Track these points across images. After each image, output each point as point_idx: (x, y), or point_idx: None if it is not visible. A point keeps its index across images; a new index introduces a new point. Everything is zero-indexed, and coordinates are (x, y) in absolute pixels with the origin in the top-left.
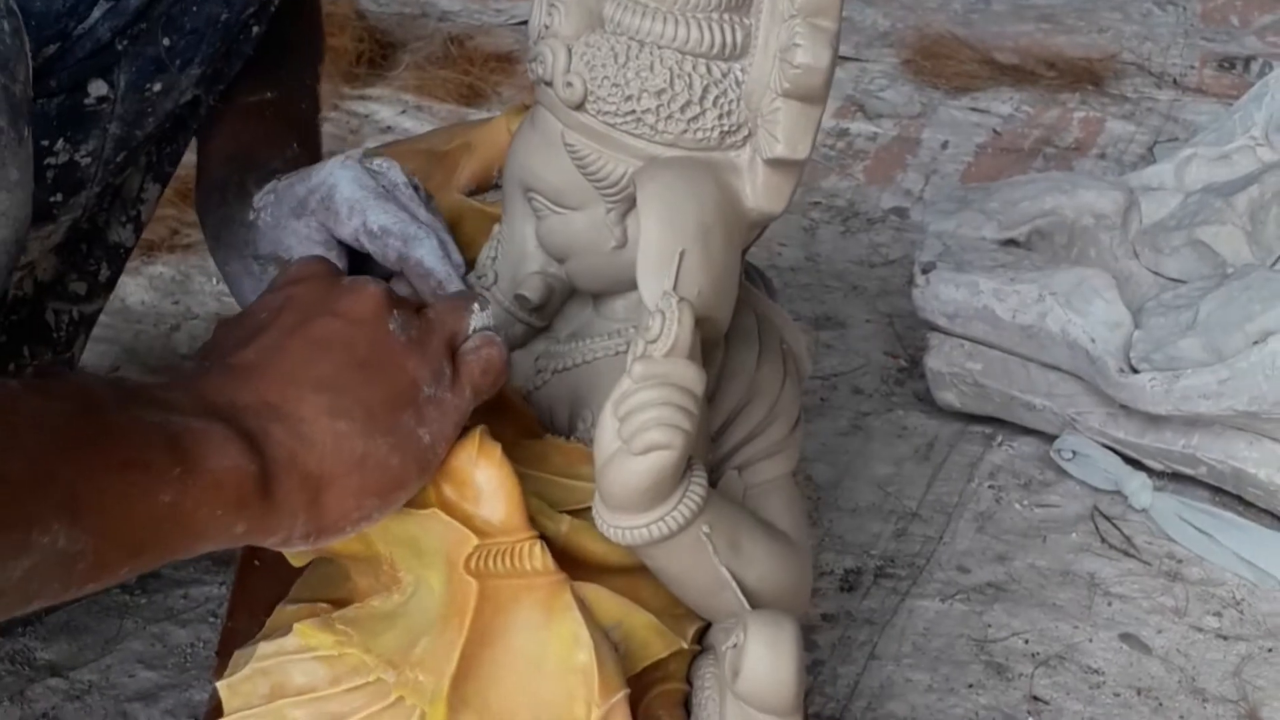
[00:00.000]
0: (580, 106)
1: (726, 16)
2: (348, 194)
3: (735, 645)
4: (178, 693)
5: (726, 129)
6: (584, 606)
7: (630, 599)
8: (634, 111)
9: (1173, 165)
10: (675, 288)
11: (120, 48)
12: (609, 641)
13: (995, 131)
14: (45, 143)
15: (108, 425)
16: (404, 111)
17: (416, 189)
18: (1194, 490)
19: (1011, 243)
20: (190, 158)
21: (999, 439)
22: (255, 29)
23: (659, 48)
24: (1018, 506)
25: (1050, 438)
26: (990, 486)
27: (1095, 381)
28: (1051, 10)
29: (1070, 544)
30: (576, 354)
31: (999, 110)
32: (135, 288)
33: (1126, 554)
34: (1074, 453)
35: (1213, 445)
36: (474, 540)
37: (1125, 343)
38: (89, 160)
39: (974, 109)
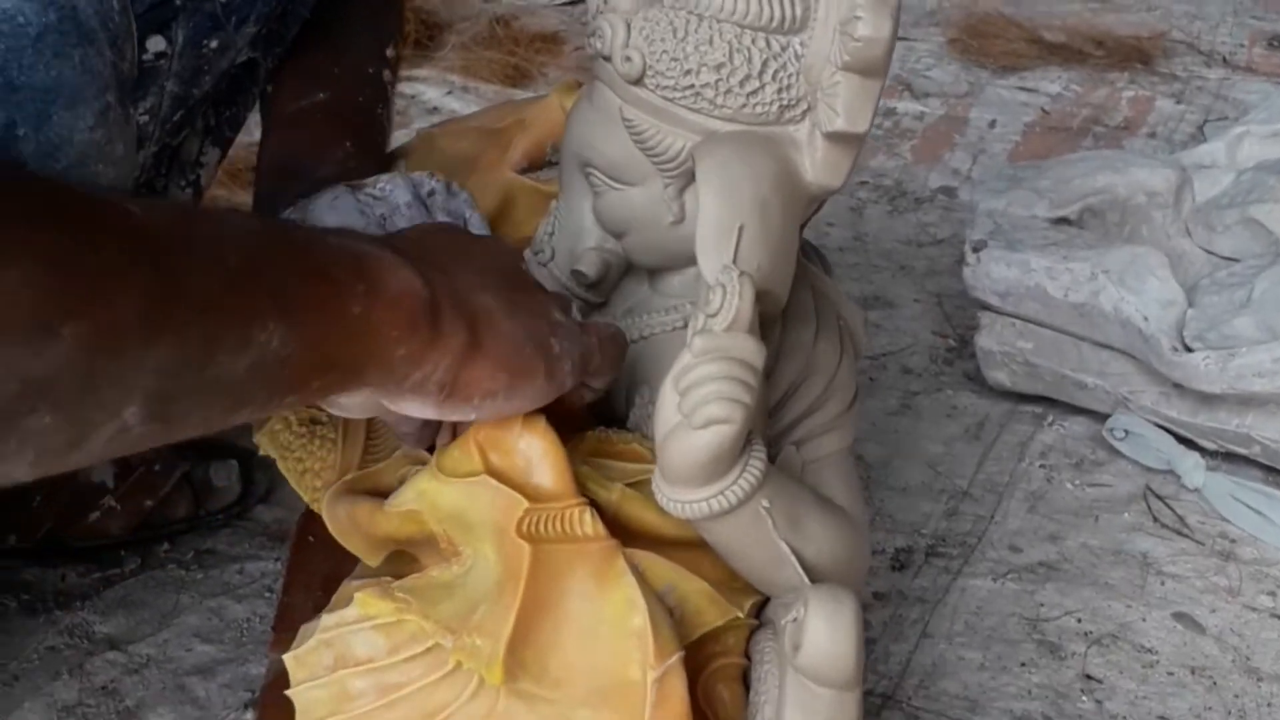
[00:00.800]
0: (639, 81)
1: None
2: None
3: (795, 619)
4: (235, 667)
5: (785, 103)
6: (637, 572)
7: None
8: (693, 86)
9: (1225, 143)
10: (734, 262)
11: (178, 3)
12: (663, 606)
13: (1043, 110)
14: None
15: (297, 239)
16: (450, 92)
17: (423, 201)
18: (1247, 470)
19: (1063, 221)
20: (242, 135)
21: (1050, 418)
22: None
23: (718, 21)
24: (1069, 486)
25: (1102, 417)
26: (1041, 466)
27: (1148, 360)
28: None
29: (1123, 523)
30: (633, 330)
31: (1047, 89)
32: None
33: (1179, 533)
34: (1126, 432)
35: (1267, 424)
36: (524, 504)
37: (1179, 321)
38: (147, 118)
39: (1022, 88)
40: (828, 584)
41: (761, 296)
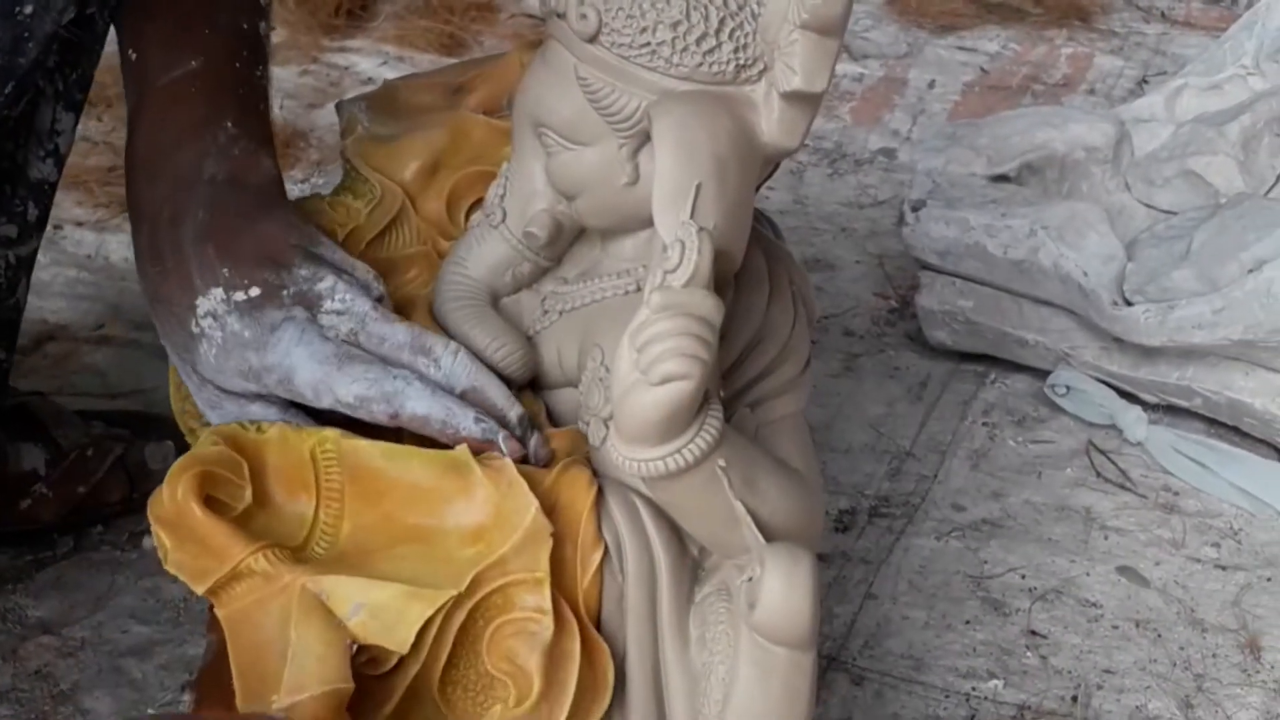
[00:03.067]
0: (594, 39)
1: None
2: (308, 376)
3: (751, 579)
4: (172, 647)
5: (742, 62)
6: (314, 602)
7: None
8: (649, 44)
9: (1163, 96)
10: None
11: None
12: (326, 640)
13: (982, 70)
14: None
15: None
16: (385, 63)
17: (381, 299)
18: (1189, 422)
19: (1002, 179)
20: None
21: (992, 376)
22: None
23: None
24: (1012, 443)
25: (1043, 374)
26: (984, 424)
27: (1088, 315)
28: None
29: (1065, 479)
30: (585, 293)
31: (986, 48)
32: (117, 245)
33: (1122, 488)
34: (1068, 388)
35: (1208, 376)
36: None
37: (1118, 275)
38: None
39: (960, 48)
40: (784, 543)
41: (718, 256)
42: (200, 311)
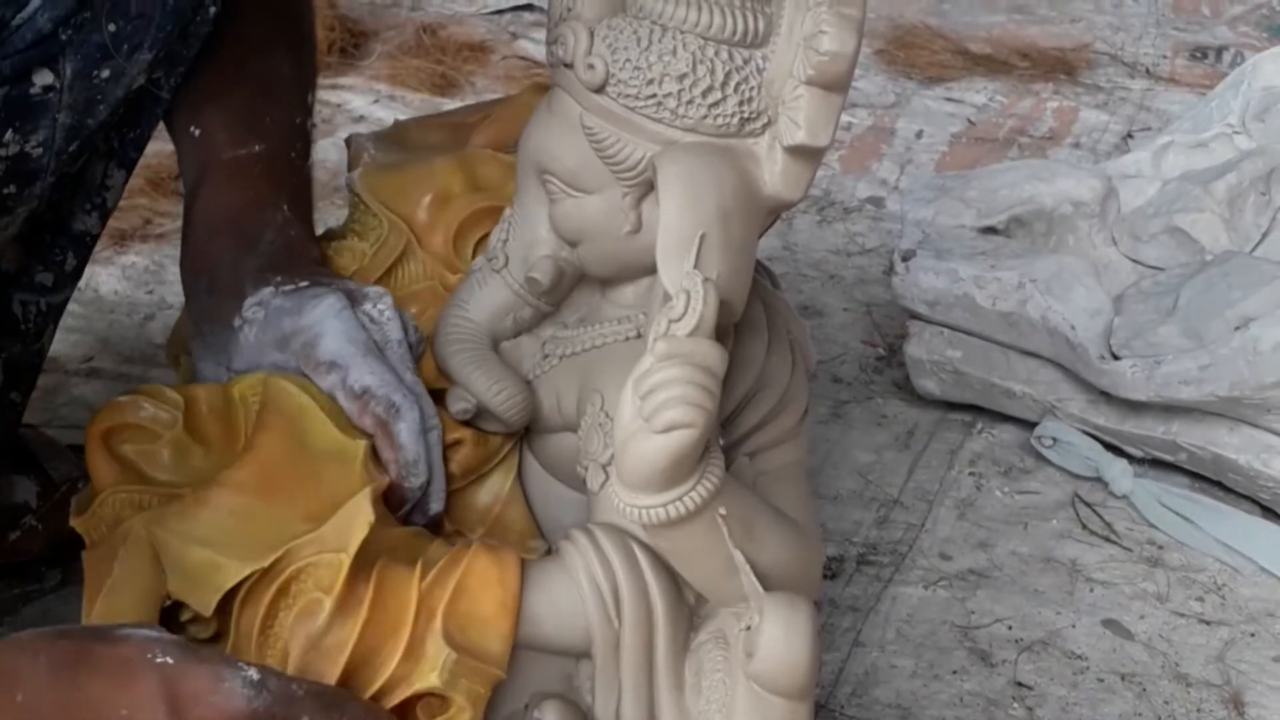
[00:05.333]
0: (601, 89)
1: (749, 4)
2: (332, 348)
3: (749, 627)
4: None
5: (746, 115)
6: (144, 547)
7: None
8: (655, 95)
9: (1150, 153)
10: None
11: (64, 37)
12: (143, 587)
13: (970, 121)
14: None
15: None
16: (377, 101)
17: (411, 347)
18: (1174, 477)
19: (990, 230)
20: (159, 145)
21: (979, 426)
22: (211, 8)
23: (682, 33)
24: (999, 494)
25: (1030, 425)
26: (971, 474)
27: (1076, 368)
28: (1023, 1)
29: (1051, 530)
30: (585, 339)
31: (973, 100)
32: (108, 277)
33: (1108, 540)
34: (1054, 439)
35: (1193, 431)
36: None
37: (1105, 329)
38: (40, 150)
39: (948, 99)
40: (783, 592)
41: (720, 306)
42: (246, 306)
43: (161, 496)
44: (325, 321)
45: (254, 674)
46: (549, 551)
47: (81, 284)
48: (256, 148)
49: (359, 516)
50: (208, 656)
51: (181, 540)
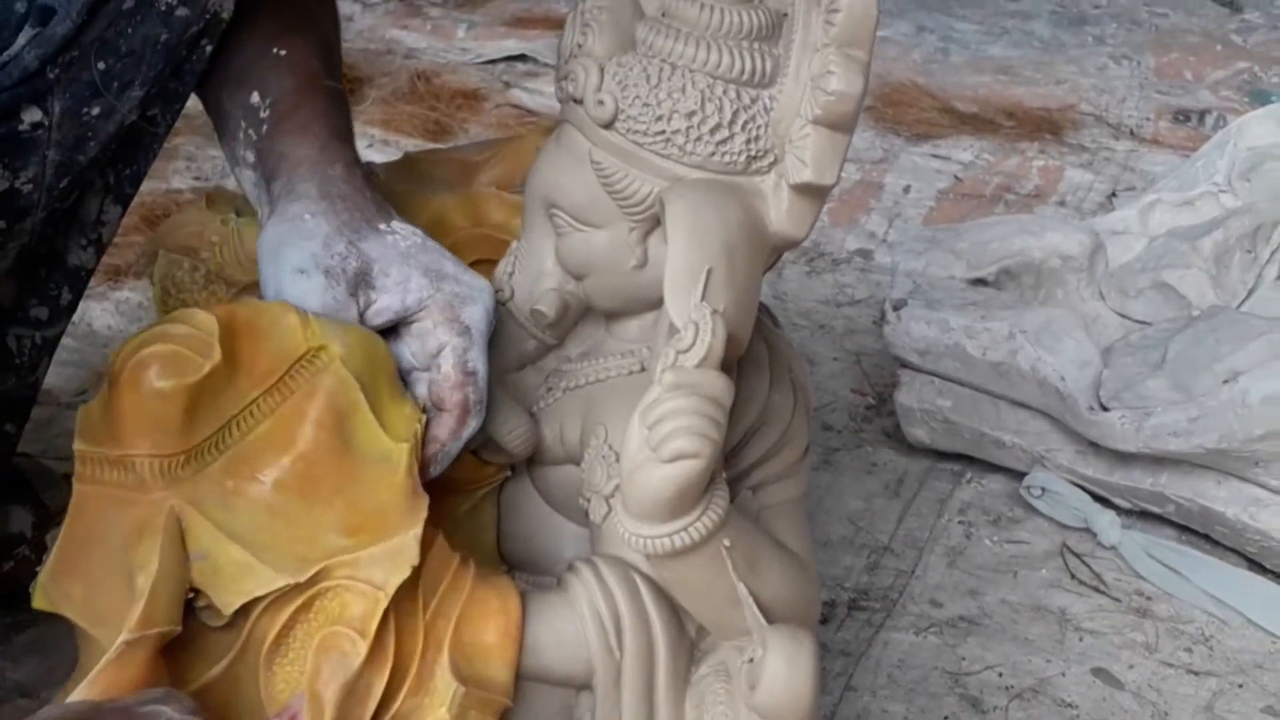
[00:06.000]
0: (610, 125)
1: (757, 45)
2: (477, 318)
3: (752, 660)
4: None
5: (753, 154)
6: (173, 532)
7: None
8: (664, 132)
9: (1137, 210)
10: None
11: (52, 75)
12: (185, 573)
13: (957, 178)
14: None
15: None
16: (371, 145)
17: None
18: (1161, 529)
19: (980, 282)
20: (154, 183)
21: (968, 476)
22: (207, 46)
23: (691, 71)
24: (988, 542)
25: (1019, 475)
26: (960, 522)
27: (1065, 419)
28: (1009, 62)
29: (1040, 580)
30: (589, 372)
31: (960, 157)
32: (102, 312)
33: (1096, 590)
34: (1043, 490)
35: (1181, 484)
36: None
37: (1094, 381)
38: (30, 187)
39: (935, 155)
40: (786, 625)
41: (726, 340)
42: (397, 224)
43: (191, 459)
44: (483, 294)
45: None
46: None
47: (76, 318)
48: (339, 87)
49: (403, 558)
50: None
51: (216, 531)
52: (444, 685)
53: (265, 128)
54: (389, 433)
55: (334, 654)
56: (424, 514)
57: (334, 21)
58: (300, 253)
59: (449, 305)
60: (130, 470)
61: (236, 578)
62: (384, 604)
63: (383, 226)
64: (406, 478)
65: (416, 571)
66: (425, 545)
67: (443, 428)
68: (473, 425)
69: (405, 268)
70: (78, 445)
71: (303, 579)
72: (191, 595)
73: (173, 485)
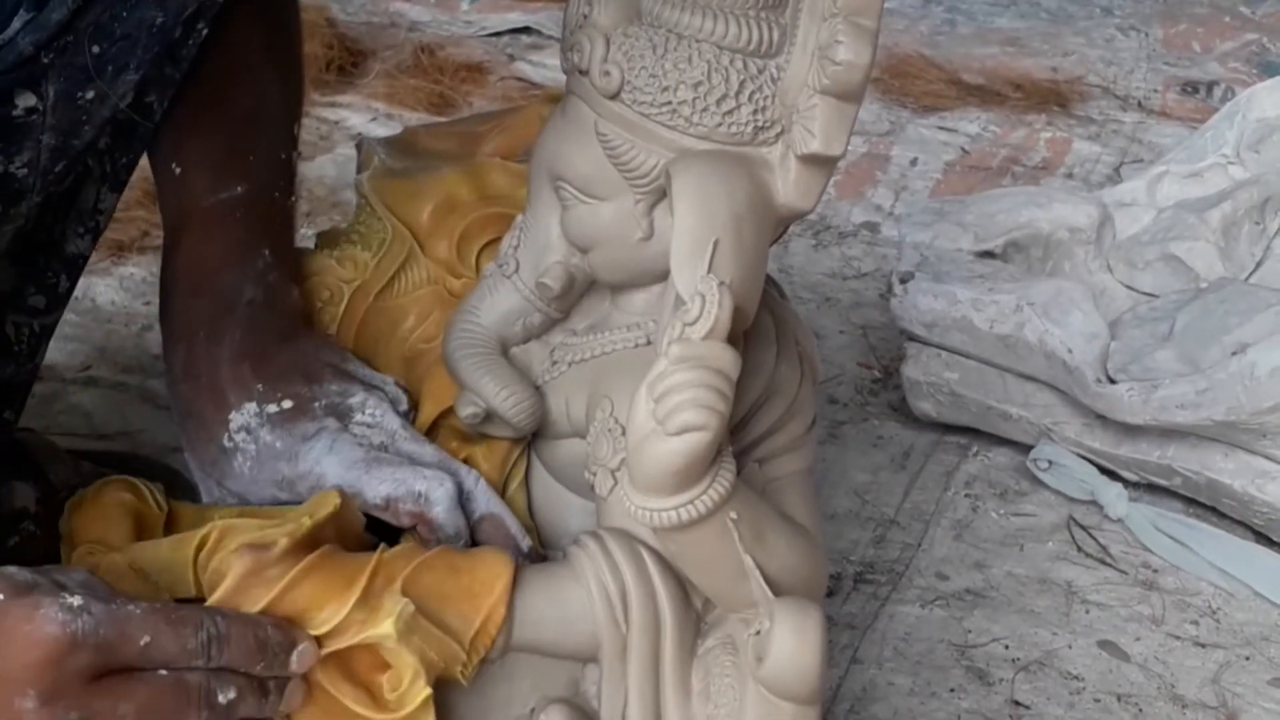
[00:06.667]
0: (615, 96)
1: (764, 14)
2: (337, 482)
3: (758, 632)
4: None
5: (760, 124)
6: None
7: None
8: (670, 103)
9: (1145, 182)
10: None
11: (46, 60)
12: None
13: (964, 150)
14: None
15: None
16: (374, 119)
17: (408, 415)
18: (1168, 501)
19: (988, 255)
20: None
21: (975, 449)
22: (202, 29)
23: (697, 41)
24: (994, 515)
25: (1026, 448)
26: (967, 495)
27: (1072, 391)
28: (1016, 34)
29: (1047, 552)
30: (595, 346)
31: (967, 129)
32: (105, 288)
33: (1103, 563)
34: (1050, 462)
35: (1188, 456)
36: None
37: (1102, 353)
38: (25, 171)
39: (942, 128)
40: (793, 597)
41: (733, 312)
42: (233, 426)
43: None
44: (322, 462)
45: (75, 600)
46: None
47: (79, 293)
48: (239, 189)
49: (325, 501)
50: (35, 586)
51: (151, 544)
52: (391, 603)
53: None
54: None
55: (255, 547)
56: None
57: (271, 89)
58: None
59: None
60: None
61: (175, 557)
62: (308, 524)
63: (226, 443)
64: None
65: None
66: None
67: (426, 535)
68: (437, 511)
69: (262, 490)
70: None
71: (223, 524)
72: None
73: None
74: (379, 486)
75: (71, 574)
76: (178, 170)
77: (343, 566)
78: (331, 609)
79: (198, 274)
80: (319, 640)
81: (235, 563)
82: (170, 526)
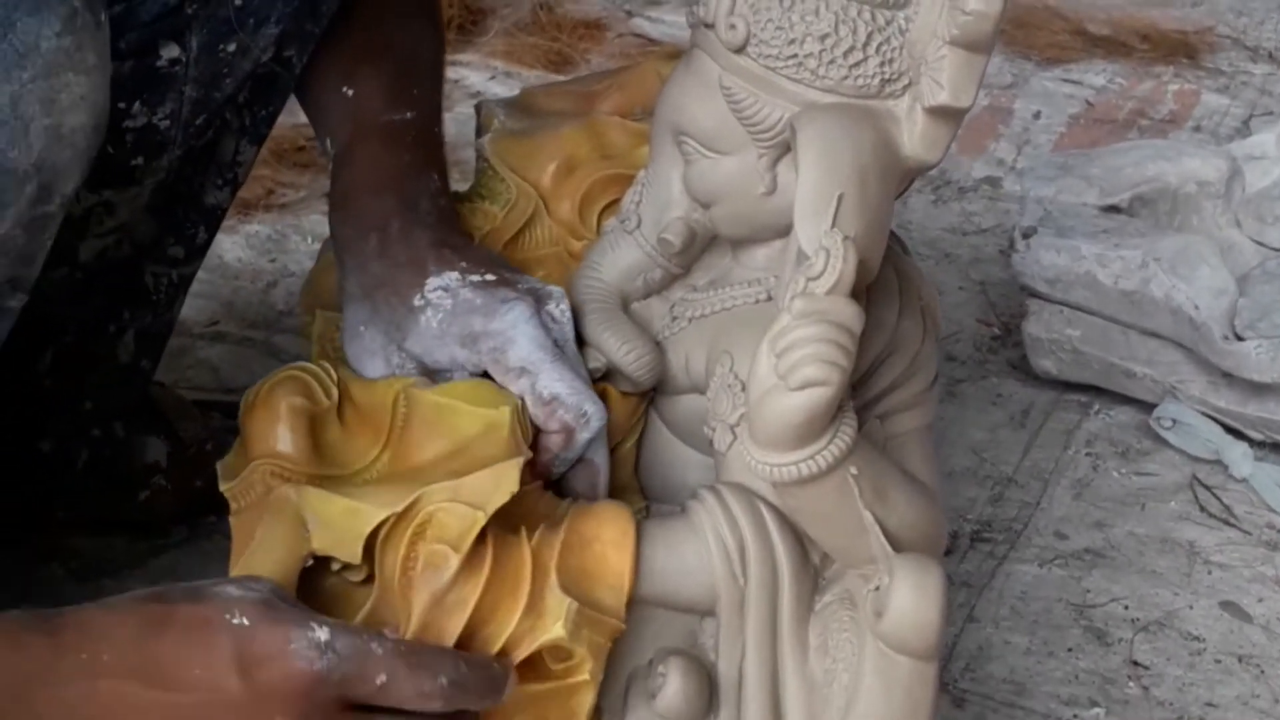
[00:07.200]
0: (741, 50)
1: None
2: (524, 353)
3: (878, 588)
4: None
5: (887, 77)
6: (287, 508)
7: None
8: (796, 56)
9: (1275, 135)
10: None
11: (190, 11)
12: (289, 549)
13: (1088, 103)
14: (122, 105)
15: None
16: (493, 78)
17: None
18: None
19: (1113, 209)
20: (282, 117)
21: (1096, 407)
22: None
23: None
24: (1115, 474)
25: (1149, 406)
26: (1088, 454)
27: (1198, 348)
28: None
29: (1169, 512)
30: (715, 301)
31: (1092, 82)
32: (232, 245)
33: (1226, 523)
34: (1174, 421)
35: None
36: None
37: (1230, 310)
38: (167, 123)
39: (1066, 80)
40: (913, 553)
41: (858, 266)
42: (430, 286)
43: (310, 477)
44: (518, 327)
45: (323, 634)
46: (648, 510)
47: None
48: (409, 114)
49: (505, 481)
50: (285, 616)
51: (325, 493)
52: (556, 603)
53: (331, 187)
54: (487, 408)
55: (427, 569)
56: (528, 455)
57: (425, 35)
58: (372, 373)
59: (495, 362)
60: (255, 483)
61: (346, 525)
62: (481, 522)
63: (417, 301)
64: (509, 436)
65: (520, 510)
66: (531, 493)
67: (552, 441)
68: (582, 436)
69: (445, 348)
70: (223, 487)
71: (401, 507)
72: (335, 567)
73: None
74: (555, 382)
75: (257, 584)
76: (350, 92)
77: (503, 570)
78: (500, 619)
79: (383, 176)
80: (499, 654)
81: (415, 596)
82: (342, 410)
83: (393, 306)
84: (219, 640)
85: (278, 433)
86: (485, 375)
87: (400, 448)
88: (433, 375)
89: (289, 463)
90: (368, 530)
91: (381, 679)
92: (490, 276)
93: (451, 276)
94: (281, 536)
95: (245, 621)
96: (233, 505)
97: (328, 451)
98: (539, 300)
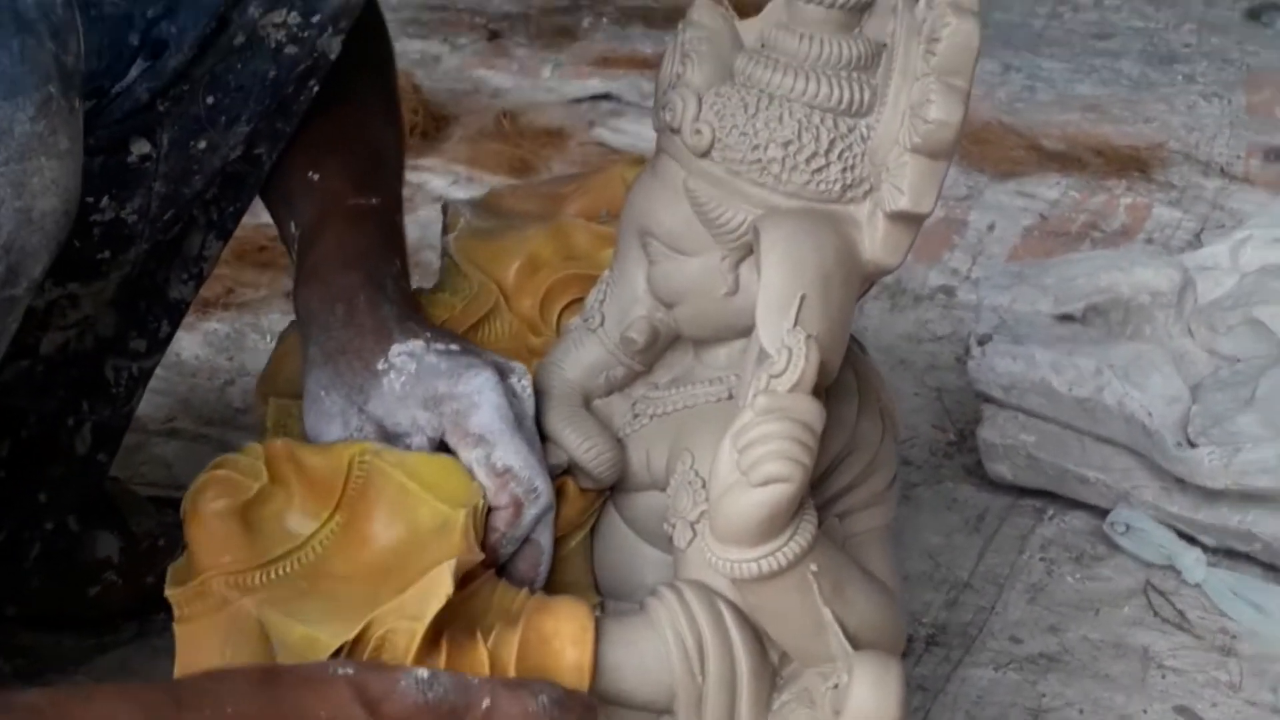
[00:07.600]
0: (706, 154)
1: (855, 75)
2: (485, 420)
3: (837, 686)
4: None
5: (849, 182)
6: (255, 630)
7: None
8: (760, 160)
9: (1227, 246)
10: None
11: (162, 108)
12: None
13: (1042, 215)
14: (90, 199)
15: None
16: (455, 182)
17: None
18: (1247, 567)
19: (1068, 318)
20: (248, 218)
21: (1050, 512)
22: (313, 86)
23: (789, 100)
24: (1070, 579)
25: (1102, 512)
26: (1042, 559)
27: (1152, 455)
28: (1097, 100)
29: (1123, 617)
30: (677, 399)
31: (1045, 195)
32: (190, 342)
33: (1180, 628)
34: (1127, 526)
35: (1269, 521)
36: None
37: (1183, 417)
38: (135, 218)
39: (1020, 193)
40: (873, 651)
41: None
42: (394, 351)
43: (265, 574)
44: (483, 393)
45: (423, 673)
46: (603, 607)
47: None
48: (374, 200)
49: (439, 587)
50: (380, 665)
51: (287, 619)
52: None
53: (296, 266)
54: (447, 501)
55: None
56: (479, 557)
57: (388, 131)
58: (329, 437)
59: (455, 425)
60: (210, 594)
61: (304, 653)
62: (419, 632)
63: (380, 365)
64: (461, 539)
65: (476, 608)
66: (484, 587)
67: (500, 519)
68: (530, 512)
69: (406, 410)
70: (169, 592)
71: (352, 634)
72: None
73: (249, 594)
74: (511, 455)
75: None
76: (316, 177)
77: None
78: None
79: (349, 253)
80: None
81: None
82: (286, 479)
83: (355, 370)
84: (335, 685)
85: (215, 544)
86: (442, 442)
87: (354, 515)
88: (391, 439)
89: (238, 567)
90: (325, 657)
91: (486, 702)
92: (454, 346)
93: (416, 344)
94: (251, 654)
95: (350, 671)
96: (177, 612)
97: (272, 529)
98: (502, 373)
